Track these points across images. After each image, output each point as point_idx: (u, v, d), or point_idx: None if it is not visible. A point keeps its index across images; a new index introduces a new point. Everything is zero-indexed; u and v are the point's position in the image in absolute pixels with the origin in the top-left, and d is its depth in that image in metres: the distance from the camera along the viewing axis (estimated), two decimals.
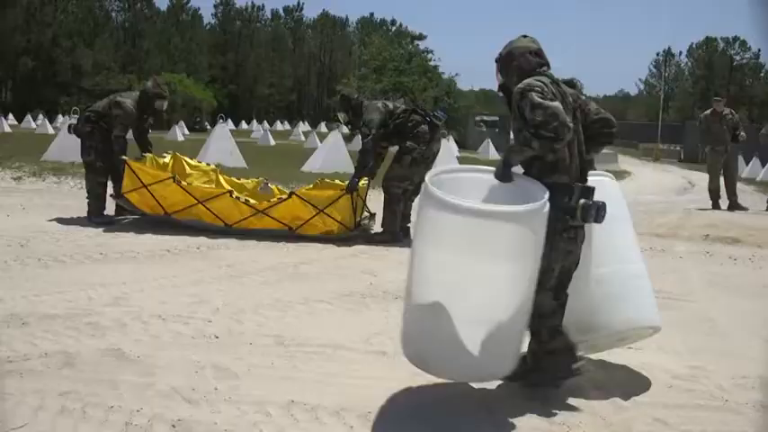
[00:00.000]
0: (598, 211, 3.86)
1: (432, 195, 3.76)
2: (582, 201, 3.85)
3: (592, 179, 4.15)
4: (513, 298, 3.73)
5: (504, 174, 3.92)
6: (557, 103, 3.83)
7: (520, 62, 4.13)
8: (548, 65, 4.15)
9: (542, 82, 3.95)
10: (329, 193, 8.94)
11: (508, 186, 3.93)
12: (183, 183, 9.00)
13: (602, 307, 4.34)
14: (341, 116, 9.58)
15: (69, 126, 9.61)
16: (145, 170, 9.08)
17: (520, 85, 3.95)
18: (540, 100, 3.80)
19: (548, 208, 3.72)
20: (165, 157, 9.91)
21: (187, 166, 9.93)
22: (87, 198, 9.41)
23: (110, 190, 9.41)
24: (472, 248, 3.67)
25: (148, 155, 9.55)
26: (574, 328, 4.15)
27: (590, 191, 3.92)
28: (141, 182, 8.88)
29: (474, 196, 3.90)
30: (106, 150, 9.29)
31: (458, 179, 4.11)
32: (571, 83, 4.24)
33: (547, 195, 3.75)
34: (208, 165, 10.55)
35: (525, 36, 4.25)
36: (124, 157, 9.09)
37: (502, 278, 3.70)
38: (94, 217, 9.27)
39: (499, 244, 3.68)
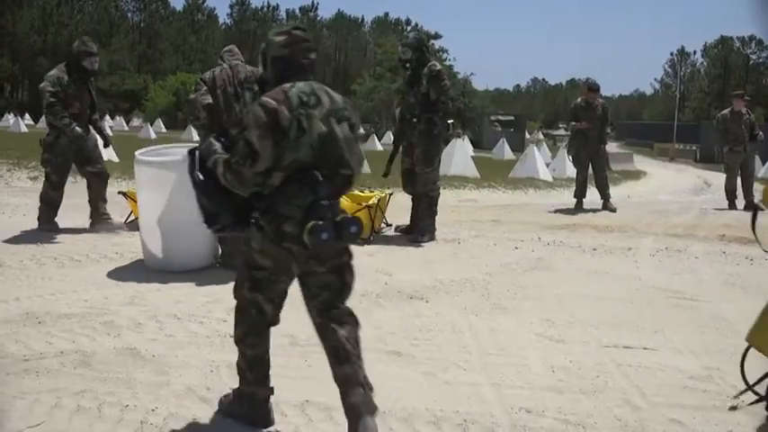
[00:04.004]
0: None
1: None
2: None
3: None
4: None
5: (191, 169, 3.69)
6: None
7: None
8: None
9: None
10: (347, 205, 8.95)
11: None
12: None
13: None
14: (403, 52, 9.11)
15: (41, 141, 8.95)
16: None
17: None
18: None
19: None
20: None
21: None
22: (40, 204, 8.90)
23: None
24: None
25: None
26: None
27: None
28: None
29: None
30: (65, 162, 8.85)
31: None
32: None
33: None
34: None
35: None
36: (122, 191, 9.17)
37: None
38: (43, 224, 8.76)
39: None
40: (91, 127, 9.03)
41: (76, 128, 8.51)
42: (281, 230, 3.43)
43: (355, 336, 3.72)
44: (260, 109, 3.41)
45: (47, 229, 8.64)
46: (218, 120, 7.02)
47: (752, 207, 13.94)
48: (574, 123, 12.96)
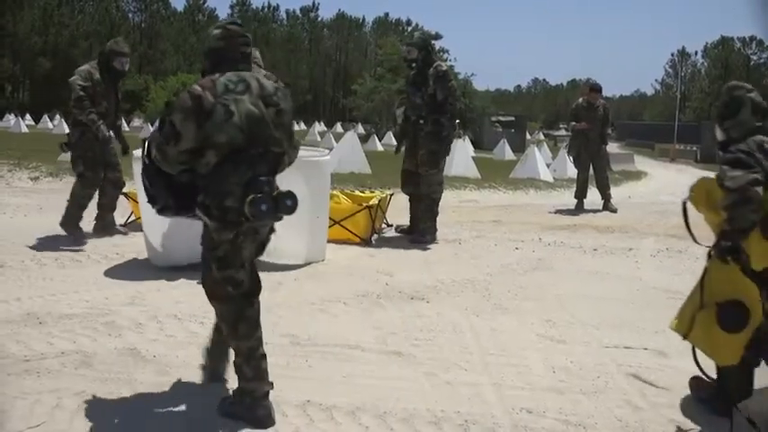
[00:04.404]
0: None
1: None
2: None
3: None
4: None
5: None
6: None
7: None
8: None
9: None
10: (347, 206, 8.96)
11: None
12: None
13: None
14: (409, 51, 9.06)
15: (62, 145, 8.49)
16: None
17: None
18: None
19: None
20: None
21: None
22: (68, 204, 8.43)
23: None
24: None
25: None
26: None
27: None
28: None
29: None
30: (95, 156, 8.40)
31: None
32: None
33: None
34: None
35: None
36: (124, 191, 8.91)
37: None
38: (69, 227, 8.31)
39: None
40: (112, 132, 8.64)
41: (103, 126, 8.23)
42: (223, 206, 3.70)
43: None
44: (186, 95, 3.74)
45: (70, 232, 8.24)
46: None
47: None
48: (574, 124, 12.96)
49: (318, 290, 6.42)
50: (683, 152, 44.16)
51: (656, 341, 5.24)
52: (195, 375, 4.32)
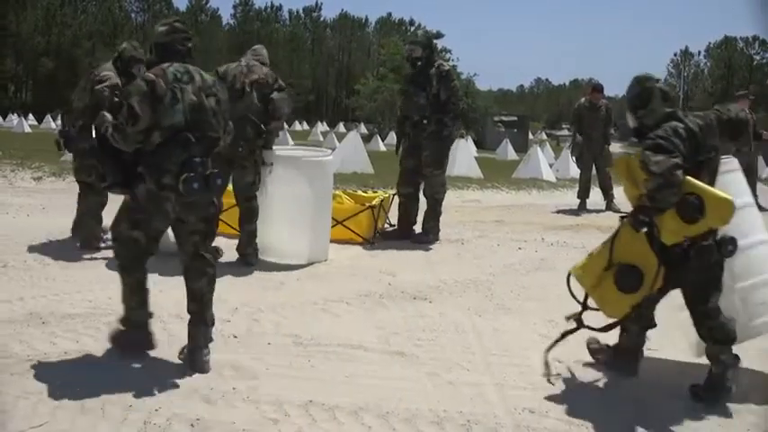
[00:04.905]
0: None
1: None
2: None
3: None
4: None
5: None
6: None
7: None
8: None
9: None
10: (350, 206, 8.95)
11: None
12: None
13: None
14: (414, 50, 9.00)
15: (59, 143, 7.94)
16: None
17: None
18: None
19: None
20: None
21: None
22: (79, 222, 7.93)
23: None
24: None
25: None
26: None
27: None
28: None
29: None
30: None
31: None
32: None
33: None
34: None
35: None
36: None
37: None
38: (95, 242, 7.69)
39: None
40: None
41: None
42: (161, 181, 4.32)
43: (210, 285, 4.68)
44: (142, 81, 4.37)
45: (94, 246, 7.64)
46: None
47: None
48: (579, 137, 12.86)
49: (321, 290, 6.42)
50: None
51: (658, 341, 5.23)
52: (199, 375, 4.33)
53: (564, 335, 4.63)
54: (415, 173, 8.93)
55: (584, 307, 4.56)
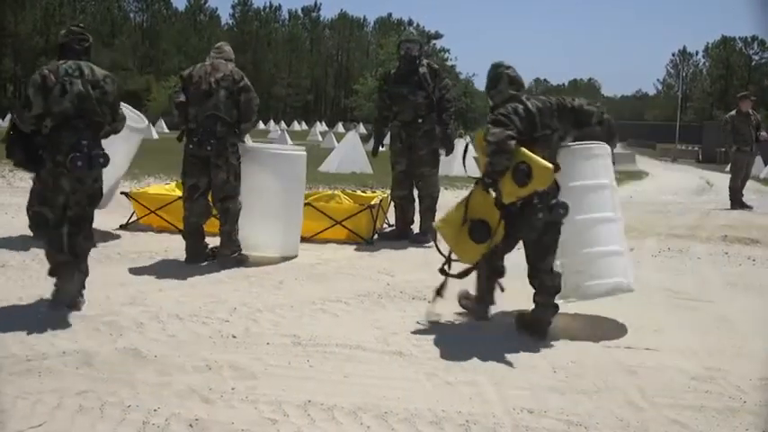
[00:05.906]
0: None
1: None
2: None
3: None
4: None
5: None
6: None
7: None
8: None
9: None
10: (348, 206, 8.94)
11: None
12: None
13: None
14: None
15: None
16: (147, 196, 9.26)
17: None
18: None
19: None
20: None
21: None
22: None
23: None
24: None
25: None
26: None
27: None
28: (148, 208, 9.02)
29: None
30: None
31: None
32: None
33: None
34: None
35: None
36: (124, 192, 9.13)
37: None
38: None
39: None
40: None
41: None
42: (55, 160, 5.33)
43: (87, 242, 5.66)
44: (37, 75, 5.43)
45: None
46: (186, 114, 7.21)
47: (739, 205, 14.18)
48: None
49: (319, 290, 6.42)
50: (684, 152, 44.18)
51: (658, 341, 5.24)
52: (197, 375, 4.33)
53: (439, 289, 5.53)
54: (407, 174, 8.91)
55: (448, 259, 5.43)
